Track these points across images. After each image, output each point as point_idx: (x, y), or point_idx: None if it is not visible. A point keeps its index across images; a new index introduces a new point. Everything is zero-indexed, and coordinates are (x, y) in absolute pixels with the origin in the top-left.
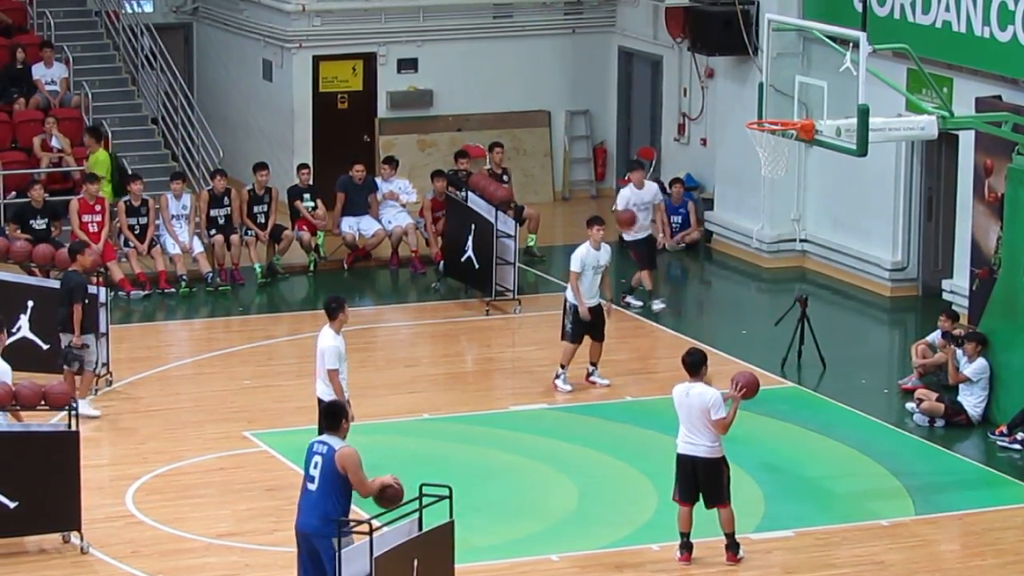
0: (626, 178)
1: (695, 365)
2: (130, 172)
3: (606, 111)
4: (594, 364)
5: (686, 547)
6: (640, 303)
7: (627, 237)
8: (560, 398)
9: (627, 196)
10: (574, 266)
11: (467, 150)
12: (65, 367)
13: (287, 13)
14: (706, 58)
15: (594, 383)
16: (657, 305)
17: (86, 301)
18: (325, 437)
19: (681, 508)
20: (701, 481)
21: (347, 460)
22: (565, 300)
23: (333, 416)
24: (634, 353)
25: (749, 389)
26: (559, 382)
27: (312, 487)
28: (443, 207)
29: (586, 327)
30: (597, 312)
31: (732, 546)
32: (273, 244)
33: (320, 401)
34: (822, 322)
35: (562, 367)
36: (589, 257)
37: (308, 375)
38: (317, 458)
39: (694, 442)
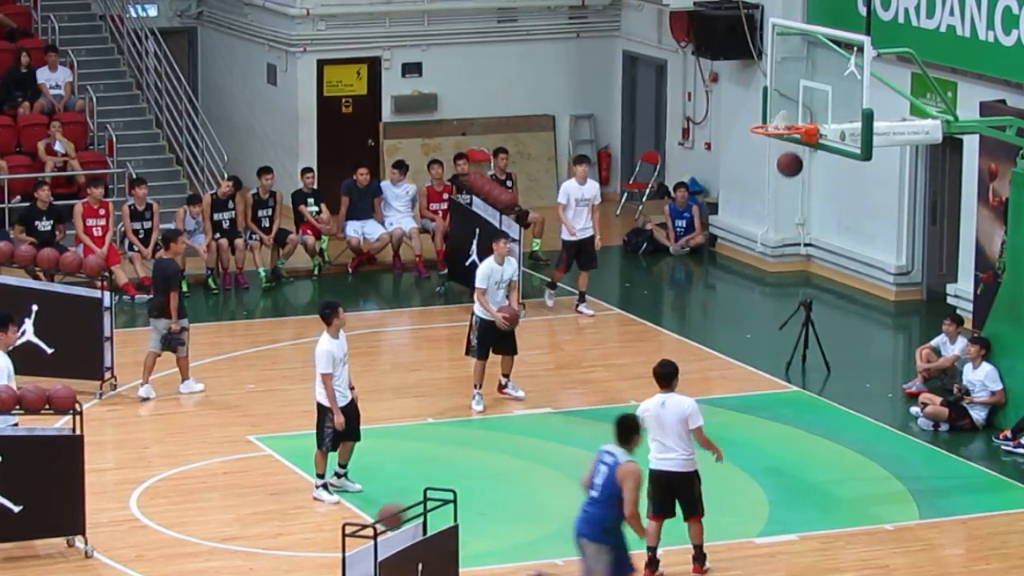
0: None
1: (669, 376)
2: (134, 176)
3: (610, 115)
4: (506, 376)
5: (652, 564)
6: (591, 312)
7: (565, 237)
8: (560, 404)
9: (568, 191)
10: (479, 283)
11: (467, 154)
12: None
13: (291, 17)
14: (710, 62)
15: (508, 394)
16: (587, 311)
17: (182, 288)
18: (613, 447)
19: (652, 523)
20: (678, 495)
21: (626, 476)
22: (472, 315)
23: (624, 429)
24: (638, 357)
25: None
26: (473, 403)
27: (594, 494)
28: (440, 197)
29: (493, 341)
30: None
31: (700, 558)
32: (277, 248)
33: (319, 405)
34: (826, 326)
35: (476, 387)
36: (494, 272)
37: (312, 379)
38: (603, 467)
39: (668, 456)
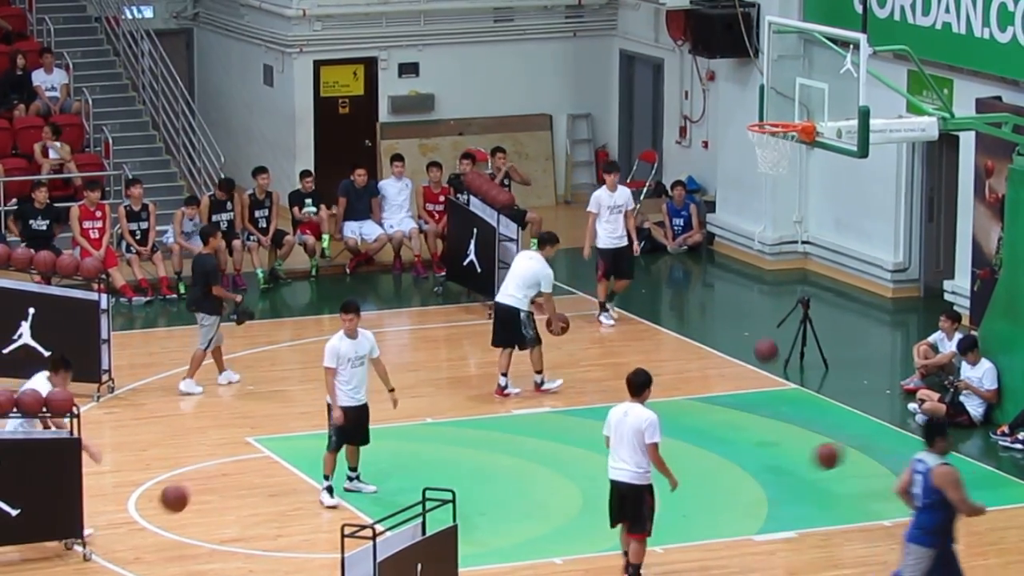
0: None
1: (642, 385)
2: (130, 176)
3: (608, 114)
4: (539, 372)
5: (629, 569)
6: (611, 323)
7: (601, 245)
8: (558, 402)
9: (600, 199)
10: (547, 287)
11: (473, 153)
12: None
13: (288, 18)
14: (707, 61)
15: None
16: (607, 320)
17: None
18: (923, 454)
19: (621, 531)
20: (626, 507)
21: (943, 480)
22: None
23: (930, 433)
24: (637, 356)
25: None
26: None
27: (918, 504)
28: (437, 199)
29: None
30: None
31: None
32: (275, 249)
33: (328, 404)
34: (824, 323)
35: (539, 372)
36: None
37: (311, 380)
38: (918, 476)
39: (620, 467)
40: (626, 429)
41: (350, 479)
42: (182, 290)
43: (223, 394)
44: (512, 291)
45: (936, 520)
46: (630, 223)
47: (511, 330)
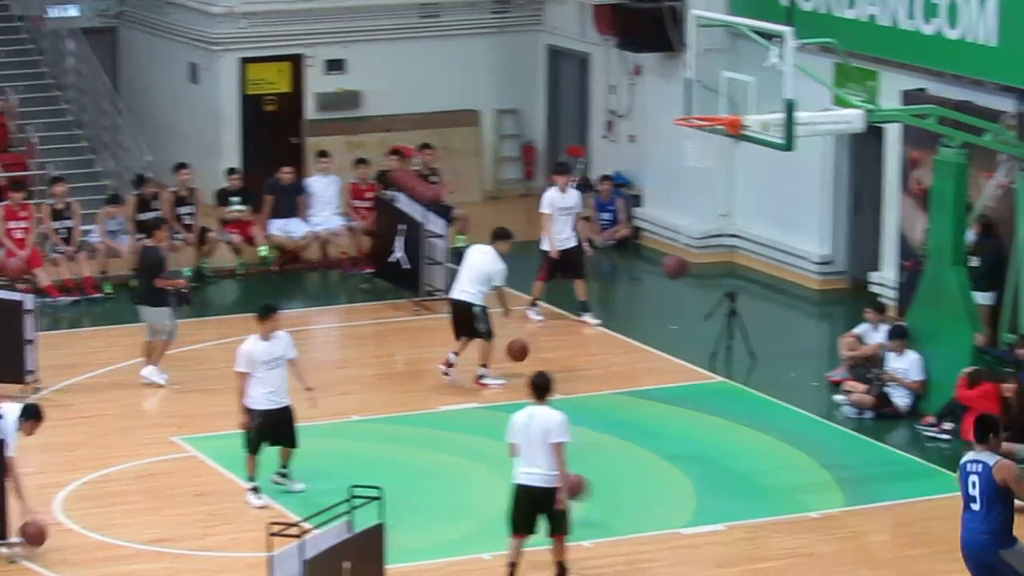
0: (551, 178)
1: (546, 388)
2: (54, 175)
3: (535, 109)
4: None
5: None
6: (597, 321)
7: (546, 247)
8: (486, 399)
9: (552, 199)
10: (501, 281)
11: (400, 149)
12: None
13: (213, 16)
14: (634, 55)
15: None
16: (592, 320)
17: (165, 273)
18: (975, 454)
19: (513, 539)
20: (542, 511)
21: (1006, 472)
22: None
23: (983, 430)
24: (564, 351)
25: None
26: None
27: (975, 507)
28: (364, 196)
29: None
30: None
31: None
32: (200, 247)
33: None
34: (751, 316)
35: (485, 367)
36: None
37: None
38: (974, 477)
39: (532, 471)
40: (536, 432)
41: (280, 475)
42: (108, 290)
43: (149, 394)
44: (465, 286)
45: (999, 521)
46: (580, 225)
47: (467, 324)
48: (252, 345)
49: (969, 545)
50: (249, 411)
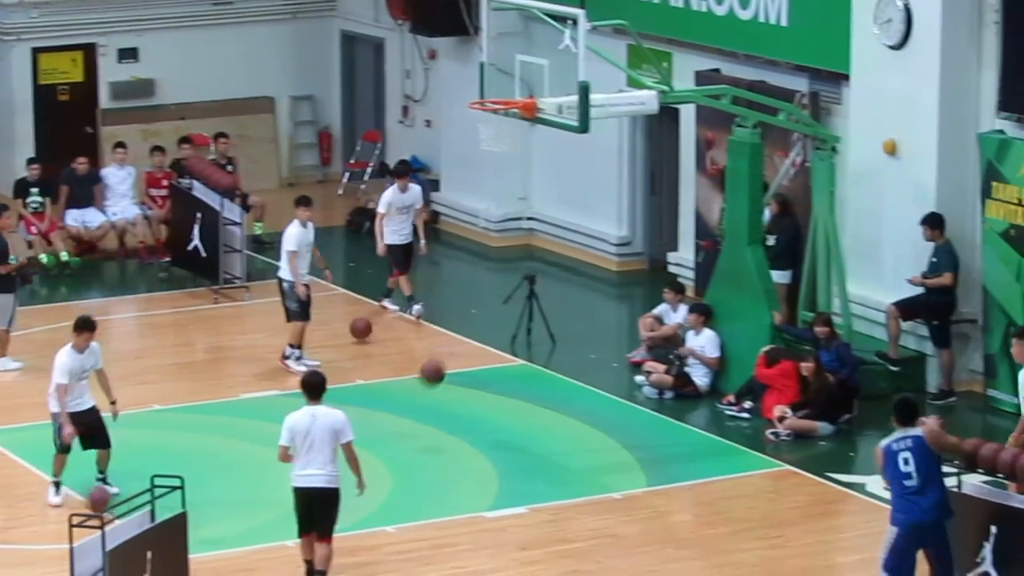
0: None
1: (320, 387)
2: None
3: (330, 96)
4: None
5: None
6: (396, 307)
7: (390, 242)
8: (285, 386)
9: (390, 200)
10: (288, 245)
11: (192, 138)
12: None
13: (4, 5)
14: (428, 40)
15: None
16: (416, 309)
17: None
18: (898, 433)
19: (304, 539)
20: (316, 513)
21: (936, 435)
22: (281, 281)
23: (910, 412)
24: (365, 336)
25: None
26: (292, 362)
27: (911, 483)
28: (160, 184)
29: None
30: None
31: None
32: None
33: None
34: (551, 299)
35: (295, 347)
36: (302, 236)
37: (36, 371)
38: (905, 454)
39: (314, 472)
40: (319, 433)
41: (97, 480)
42: None
43: None
44: (281, 262)
45: (944, 487)
46: (420, 221)
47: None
48: (68, 357)
49: (922, 523)
50: (57, 416)
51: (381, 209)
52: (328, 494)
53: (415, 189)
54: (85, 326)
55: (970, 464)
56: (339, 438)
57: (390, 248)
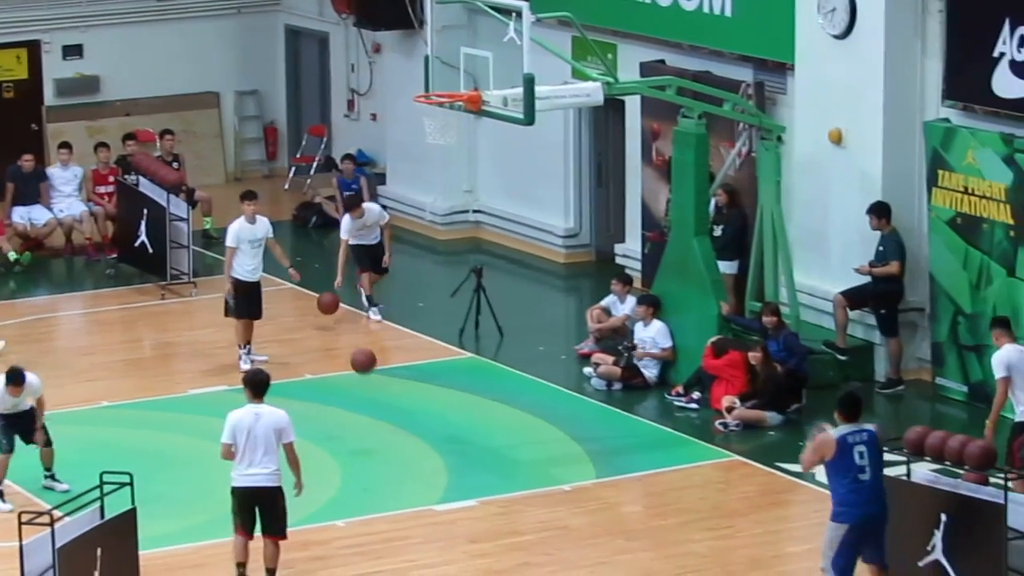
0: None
1: (264, 385)
2: None
3: (275, 90)
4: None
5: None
6: (379, 317)
7: (353, 242)
8: (235, 381)
9: (348, 226)
10: (227, 240)
11: (136, 134)
12: None
13: None
14: (373, 33)
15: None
16: (374, 314)
17: None
18: (850, 426)
19: (240, 538)
20: (261, 512)
21: (882, 434)
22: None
23: (856, 406)
24: (312, 332)
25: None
26: (241, 362)
27: (865, 477)
28: (106, 180)
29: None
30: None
31: None
32: None
33: None
34: (498, 291)
35: (241, 347)
36: (243, 231)
37: None
38: (860, 447)
39: (258, 471)
40: (262, 432)
41: (46, 478)
42: None
43: None
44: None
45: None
46: (387, 236)
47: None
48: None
49: (873, 513)
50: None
51: (343, 236)
52: (271, 493)
53: (373, 209)
54: (15, 379)
55: (917, 452)
56: (282, 437)
57: (354, 248)
